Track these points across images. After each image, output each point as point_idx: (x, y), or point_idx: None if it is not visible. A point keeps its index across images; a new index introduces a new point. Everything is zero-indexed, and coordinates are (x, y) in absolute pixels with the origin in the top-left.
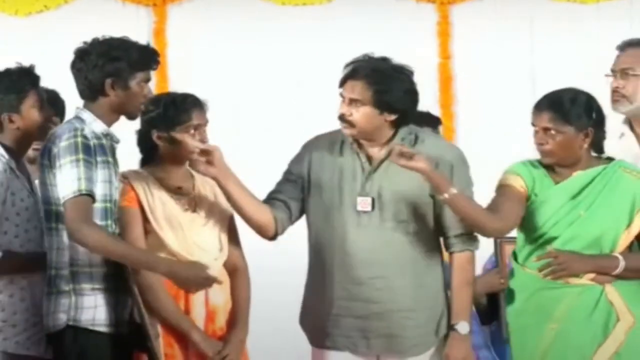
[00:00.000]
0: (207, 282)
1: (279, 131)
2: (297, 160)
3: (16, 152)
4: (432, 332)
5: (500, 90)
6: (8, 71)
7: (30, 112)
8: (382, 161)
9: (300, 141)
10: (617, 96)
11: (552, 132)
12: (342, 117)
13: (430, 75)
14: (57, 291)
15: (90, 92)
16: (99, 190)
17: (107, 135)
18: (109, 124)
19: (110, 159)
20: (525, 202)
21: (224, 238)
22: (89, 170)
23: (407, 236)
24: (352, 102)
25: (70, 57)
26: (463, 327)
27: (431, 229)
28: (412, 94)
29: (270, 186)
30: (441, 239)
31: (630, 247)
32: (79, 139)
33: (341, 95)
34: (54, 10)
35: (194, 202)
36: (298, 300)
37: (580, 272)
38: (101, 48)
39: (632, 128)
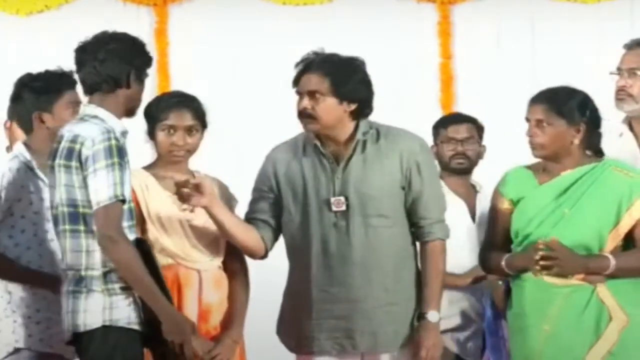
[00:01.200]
0: (186, 343)
1: (279, 131)
2: (262, 175)
3: (40, 153)
4: (411, 324)
5: (501, 90)
6: (46, 72)
7: (63, 113)
8: (349, 159)
9: None
10: (623, 95)
11: (544, 124)
12: (302, 113)
13: (431, 75)
14: (88, 291)
15: (109, 84)
16: (127, 192)
17: (125, 133)
18: (120, 120)
19: (128, 159)
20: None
21: (222, 239)
22: (123, 174)
23: (383, 231)
24: (311, 95)
25: (71, 56)
26: (433, 315)
27: (404, 221)
28: (368, 84)
29: None
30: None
31: (624, 247)
32: (113, 142)
33: (298, 92)
34: (55, 9)
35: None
36: None
37: (571, 273)
38: (123, 40)
39: (631, 128)
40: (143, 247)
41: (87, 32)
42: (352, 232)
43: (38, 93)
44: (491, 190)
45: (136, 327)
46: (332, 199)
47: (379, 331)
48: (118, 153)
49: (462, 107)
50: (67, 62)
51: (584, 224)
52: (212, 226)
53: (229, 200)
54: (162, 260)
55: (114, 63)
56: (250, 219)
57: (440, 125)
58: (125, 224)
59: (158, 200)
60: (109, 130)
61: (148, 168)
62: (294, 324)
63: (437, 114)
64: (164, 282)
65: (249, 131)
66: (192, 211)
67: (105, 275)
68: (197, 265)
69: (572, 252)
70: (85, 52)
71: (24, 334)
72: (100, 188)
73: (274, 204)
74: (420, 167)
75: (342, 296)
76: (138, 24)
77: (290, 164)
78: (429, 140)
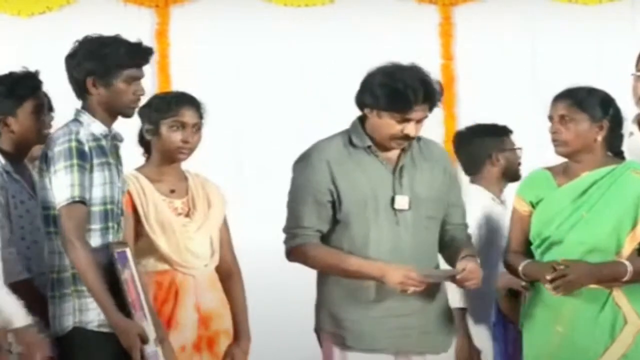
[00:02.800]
0: (132, 350)
1: (281, 132)
2: (315, 175)
3: (14, 155)
4: (450, 329)
5: (502, 91)
6: (10, 75)
7: (27, 117)
8: (398, 158)
9: (301, 142)
10: None
11: (567, 119)
12: (407, 137)
13: (433, 76)
14: (60, 295)
15: (77, 91)
16: (97, 194)
17: (107, 135)
18: (107, 123)
19: (111, 160)
20: None
21: (216, 243)
22: (83, 175)
23: (433, 232)
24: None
25: None
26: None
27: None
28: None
29: (272, 185)
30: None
31: None
32: (73, 144)
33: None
34: (56, 11)
35: (187, 206)
36: (297, 300)
37: (589, 284)
38: (84, 46)
39: None
40: (109, 252)
41: (89, 33)
42: (414, 231)
43: (2, 97)
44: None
45: (107, 329)
46: (397, 198)
47: (431, 332)
48: (78, 155)
49: (463, 108)
50: None
51: (601, 227)
52: (207, 230)
53: (224, 203)
54: (158, 266)
55: (72, 70)
56: (311, 231)
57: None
58: (96, 226)
59: (154, 204)
60: (72, 132)
61: (141, 169)
62: (349, 321)
63: (439, 115)
64: (125, 290)
65: (250, 132)
66: (187, 215)
67: (74, 276)
68: (193, 271)
69: (583, 266)
70: (65, 59)
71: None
72: (59, 189)
73: (329, 208)
74: (456, 175)
75: (403, 295)
76: (139, 26)
77: (346, 164)
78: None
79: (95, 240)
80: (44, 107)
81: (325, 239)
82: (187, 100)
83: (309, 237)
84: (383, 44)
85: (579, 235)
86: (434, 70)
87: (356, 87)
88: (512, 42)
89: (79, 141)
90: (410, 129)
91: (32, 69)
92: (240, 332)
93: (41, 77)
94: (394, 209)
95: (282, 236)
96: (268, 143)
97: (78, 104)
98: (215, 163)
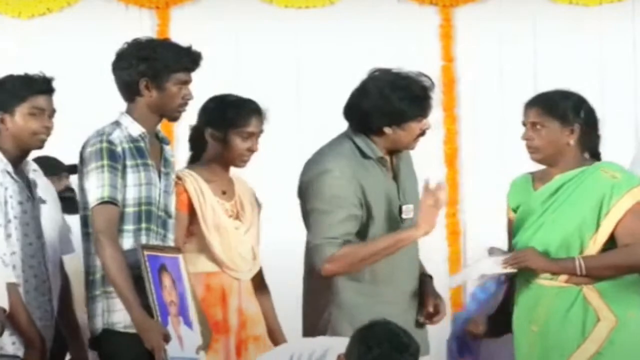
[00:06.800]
0: (156, 350)
1: (280, 132)
2: (345, 189)
3: (14, 156)
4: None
5: (503, 93)
6: (21, 75)
7: (22, 117)
8: (393, 167)
9: (301, 143)
10: None
11: (538, 126)
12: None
13: (433, 77)
14: (92, 296)
15: (126, 92)
16: (131, 195)
17: (145, 137)
18: (150, 125)
19: (148, 161)
20: None
21: (257, 249)
22: (114, 176)
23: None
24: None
25: (72, 59)
26: None
27: None
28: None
29: (272, 183)
30: None
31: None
32: (104, 145)
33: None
34: (57, 12)
35: (236, 209)
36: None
37: (539, 268)
38: (137, 48)
39: None
40: (142, 253)
41: (89, 35)
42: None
43: (6, 94)
44: (492, 191)
45: (134, 330)
46: (404, 207)
47: (424, 338)
48: (108, 155)
49: (463, 109)
50: (68, 64)
51: (563, 230)
52: (251, 235)
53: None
54: (207, 267)
55: (123, 73)
56: (336, 238)
57: None
58: (128, 227)
59: (211, 205)
60: (103, 134)
61: (193, 168)
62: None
63: (439, 117)
64: (152, 292)
65: None
66: (236, 218)
67: (103, 278)
68: (239, 274)
69: (540, 254)
70: (112, 63)
71: None
72: (90, 190)
73: (360, 218)
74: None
75: (415, 302)
76: (140, 27)
77: (368, 176)
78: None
79: (128, 242)
80: (43, 111)
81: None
82: (256, 111)
83: (338, 244)
84: (383, 46)
85: (541, 238)
86: (434, 72)
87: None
88: (512, 44)
89: (110, 142)
90: (427, 123)
91: (33, 70)
92: (279, 339)
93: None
94: (401, 218)
95: (280, 236)
96: (268, 143)
97: (78, 107)
98: None
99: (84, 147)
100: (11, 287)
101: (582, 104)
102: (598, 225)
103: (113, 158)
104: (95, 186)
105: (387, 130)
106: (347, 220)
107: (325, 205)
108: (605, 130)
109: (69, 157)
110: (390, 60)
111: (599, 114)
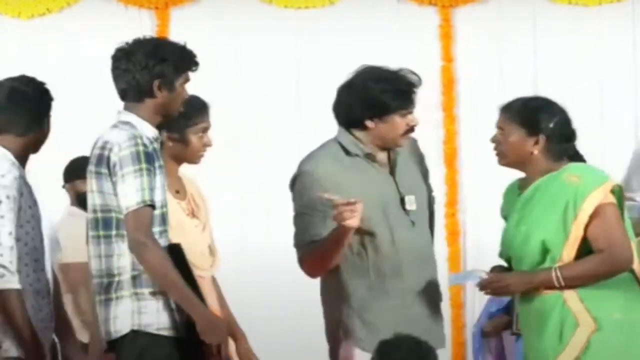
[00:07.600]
0: (223, 344)
1: (280, 133)
2: (321, 189)
3: (21, 159)
4: None
5: (502, 93)
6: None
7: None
8: (389, 160)
9: (301, 143)
10: None
11: (504, 132)
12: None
13: (433, 78)
14: (117, 297)
15: (136, 93)
16: (158, 197)
17: (157, 139)
18: (154, 126)
19: (162, 163)
20: None
21: (214, 245)
22: (151, 179)
23: (428, 225)
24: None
25: (72, 59)
26: None
27: None
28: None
29: (271, 183)
30: None
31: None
32: (140, 148)
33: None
34: (56, 13)
35: (191, 207)
36: (296, 300)
37: (519, 291)
38: (148, 48)
39: None
40: (178, 251)
41: (89, 35)
42: (424, 229)
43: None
44: (492, 192)
45: (166, 332)
46: (407, 198)
47: (441, 331)
48: (146, 158)
49: (463, 109)
50: (68, 64)
51: (538, 240)
52: (208, 231)
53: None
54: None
55: (138, 74)
56: (312, 241)
57: None
58: (156, 229)
59: (172, 206)
60: (136, 136)
61: None
62: (383, 325)
63: (439, 117)
64: (198, 286)
65: (250, 133)
66: (193, 215)
67: (134, 278)
68: (202, 272)
69: (513, 273)
70: (116, 59)
71: None
72: (129, 193)
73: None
74: (424, 165)
75: (427, 293)
76: (139, 27)
77: (352, 171)
78: (428, 144)
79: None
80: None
81: (350, 249)
82: (205, 104)
83: (308, 246)
84: (383, 46)
85: (517, 253)
86: (434, 72)
87: None
88: (512, 44)
89: (144, 145)
90: (414, 119)
91: (33, 71)
92: (237, 332)
93: (40, 78)
94: (405, 210)
95: (280, 236)
96: (267, 143)
97: (78, 107)
98: (214, 163)
99: (110, 150)
100: (15, 294)
101: (553, 115)
102: (568, 232)
103: (149, 161)
104: (135, 189)
105: (369, 123)
106: (321, 221)
107: (300, 208)
108: (605, 130)
109: (69, 157)
110: (390, 60)
111: (599, 114)
